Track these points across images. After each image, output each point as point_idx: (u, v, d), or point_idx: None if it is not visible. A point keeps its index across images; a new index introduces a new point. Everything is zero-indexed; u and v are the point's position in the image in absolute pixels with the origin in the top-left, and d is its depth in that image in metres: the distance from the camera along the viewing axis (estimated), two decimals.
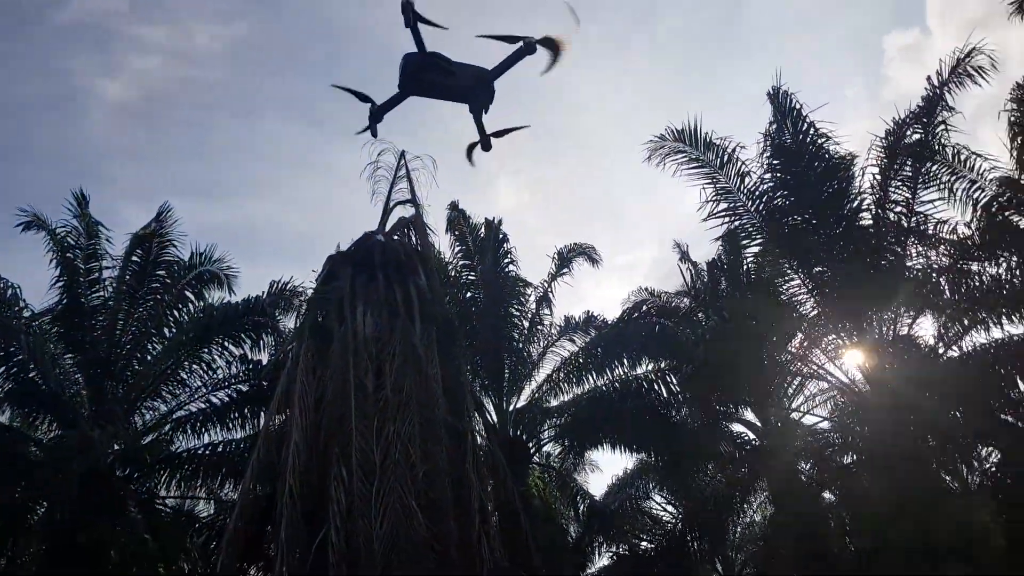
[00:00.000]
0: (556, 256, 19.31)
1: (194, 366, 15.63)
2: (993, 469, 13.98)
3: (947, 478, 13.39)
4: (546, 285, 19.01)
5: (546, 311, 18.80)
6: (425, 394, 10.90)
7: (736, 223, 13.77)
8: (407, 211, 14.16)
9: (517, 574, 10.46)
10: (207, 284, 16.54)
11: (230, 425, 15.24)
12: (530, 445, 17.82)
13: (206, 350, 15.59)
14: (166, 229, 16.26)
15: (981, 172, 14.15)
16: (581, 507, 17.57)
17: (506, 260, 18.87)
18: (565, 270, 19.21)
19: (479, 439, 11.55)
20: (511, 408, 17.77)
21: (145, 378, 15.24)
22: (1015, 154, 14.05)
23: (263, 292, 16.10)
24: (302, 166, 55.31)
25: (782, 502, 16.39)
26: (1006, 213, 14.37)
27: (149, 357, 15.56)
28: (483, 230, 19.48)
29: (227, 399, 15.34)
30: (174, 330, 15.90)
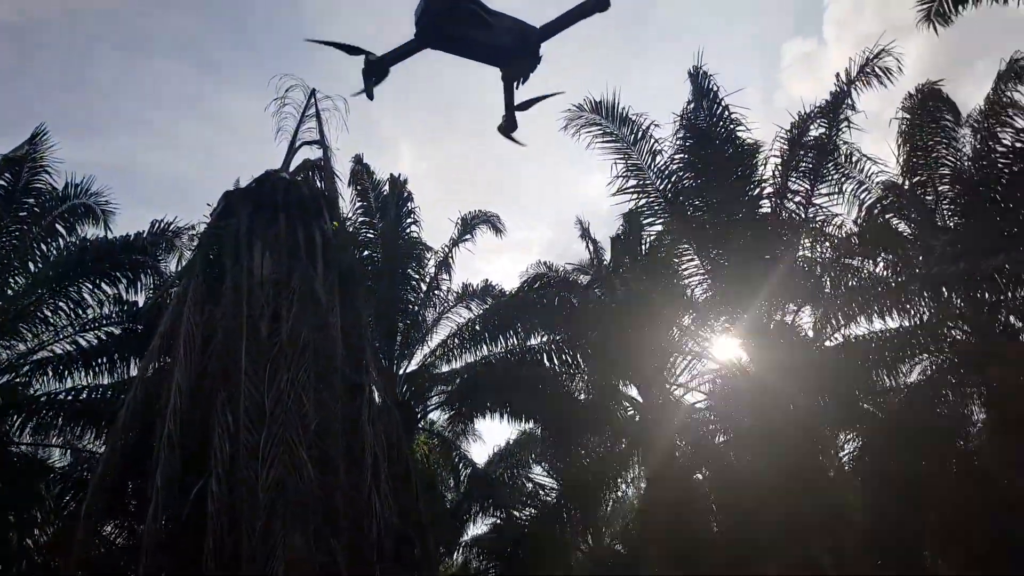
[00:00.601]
0: (459, 222, 19.12)
1: (60, 304, 14.41)
2: (856, 454, 15.02)
3: (816, 460, 14.15)
4: (447, 250, 18.82)
5: (445, 277, 18.65)
6: (324, 343, 10.49)
7: (643, 200, 14.02)
8: (314, 153, 13.61)
9: (407, 532, 10.30)
10: (81, 218, 15.26)
11: (97, 370, 14.18)
12: (417, 410, 17.67)
13: (75, 288, 14.41)
14: (40, 154, 14.87)
15: (869, 175, 15.11)
16: (463, 474, 17.61)
17: (409, 220, 18.51)
18: (468, 236, 19.07)
19: (376, 394, 11.24)
20: (401, 372, 17.55)
21: (4, 314, 13.93)
22: (901, 160, 15.11)
23: (143, 231, 15.09)
24: (190, 110, 52.25)
25: (656, 478, 17.01)
26: (887, 215, 15.44)
27: (10, 292, 14.23)
28: (387, 187, 19.03)
29: (96, 341, 14.25)
30: (40, 264, 14.62)
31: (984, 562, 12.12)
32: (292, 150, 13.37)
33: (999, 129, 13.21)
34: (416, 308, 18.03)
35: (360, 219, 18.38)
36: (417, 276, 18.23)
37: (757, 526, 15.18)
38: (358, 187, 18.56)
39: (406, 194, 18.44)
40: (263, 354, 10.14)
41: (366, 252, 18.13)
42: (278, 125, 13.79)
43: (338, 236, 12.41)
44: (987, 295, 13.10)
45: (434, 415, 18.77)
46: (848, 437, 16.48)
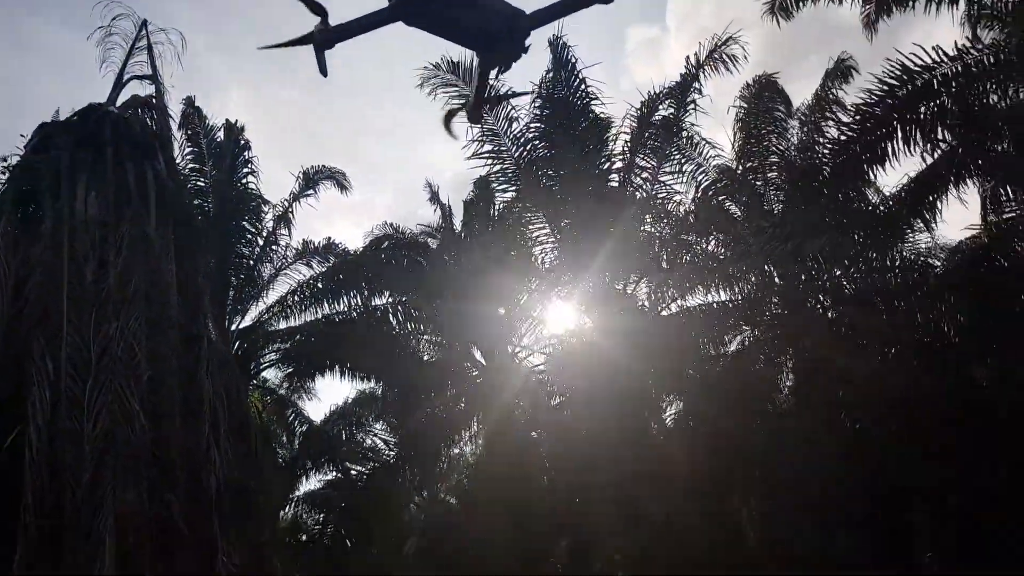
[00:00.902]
0: (301, 176, 18.47)
1: None
2: (680, 414, 16.23)
3: (644, 420, 15.11)
4: (287, 204, 18.13)
5: (284, 232, 17.99)
6: (156, 290, 9.87)
7: (498, 167, 14.23)
8: (144, 89, 12.63)
9: (245, 485, 10.00)
10: None
11: None
12: (251, 367, 17.10)
13: None
14: None
15: (707, 158, 16.14)
16: (298, 432, 17.28)
17: (245, 170, 17.65)
18: (310, 192, 18.48)
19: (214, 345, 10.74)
20: (234, 328, 16.87)
21: None
22: (736, 147, 16.26)
23: None
24: None
25: (494, 434, 17.54)
26: (720, 198, 16.61)
27: None
28: (221, 134, 18.00)
29: None
30: None
31: (785, 504, 13.67)
32: (119, 84, 12.34)
33: (824, 123, 14.51)
34: (252, 263, 17.33)
35: (190, 166, 17.30)
36: (253, 230, 17.49)
37: (589, 478, 16.13)
38: (188, 131, 17.43)
39: (243, 142, 17.58)
40: (88, 300, 9.40)
41: (197, 201, 17.09)
42: (103, 56, 12.68)
43: (173, 178, 11.62)
44: (803, 275, 14.49)
45: (269, 373, 18.25)
46: (673, 399, 17.80)
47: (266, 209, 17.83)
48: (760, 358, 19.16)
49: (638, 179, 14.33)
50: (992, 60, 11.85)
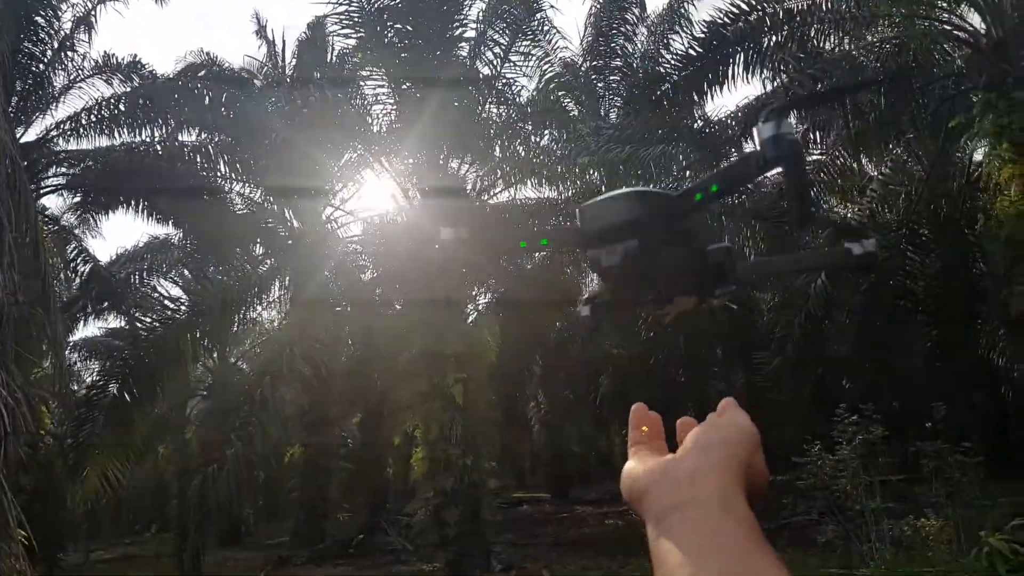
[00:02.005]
0: None
1: None
2: (491, 301, 16.73)
3: (457, 305, 15.36)
4: (90, 5, 15.96)
5: (84, 38, 15.88)
6: None
7: (343, 7, 13.30)
8: None
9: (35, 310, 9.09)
10: None
11: None
12: (31, 188, 15.28)
13: None
14: None
15: (555, 47, 16.12)
16: (82, 270, 15.85)
17: None
18: None
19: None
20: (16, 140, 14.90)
21: None
22: (585, 43, 16.38)
23: None
24: None
25: (300, 302, 17.17)
26: (561, 92, 16.76)
27: None
28: None
29: None
30: None
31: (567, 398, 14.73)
32: None
33: (671, 35, 14.95)
34: (42, 67, 15.23)
35: None
36: (47, 26, 15.28)
37: (395, 356, 16.32)
38: None
39: None
40: None
41: None
42: None
43: None
44: (631, 183, 15.09)
45: (50, 200, 16.45)
46: (486, 288, 18.30)
47: (64, 7, 15.63)
48: (572, 259, 20.15)
49: (488, 53, 14.04)
50: (830, 6, 12.66)
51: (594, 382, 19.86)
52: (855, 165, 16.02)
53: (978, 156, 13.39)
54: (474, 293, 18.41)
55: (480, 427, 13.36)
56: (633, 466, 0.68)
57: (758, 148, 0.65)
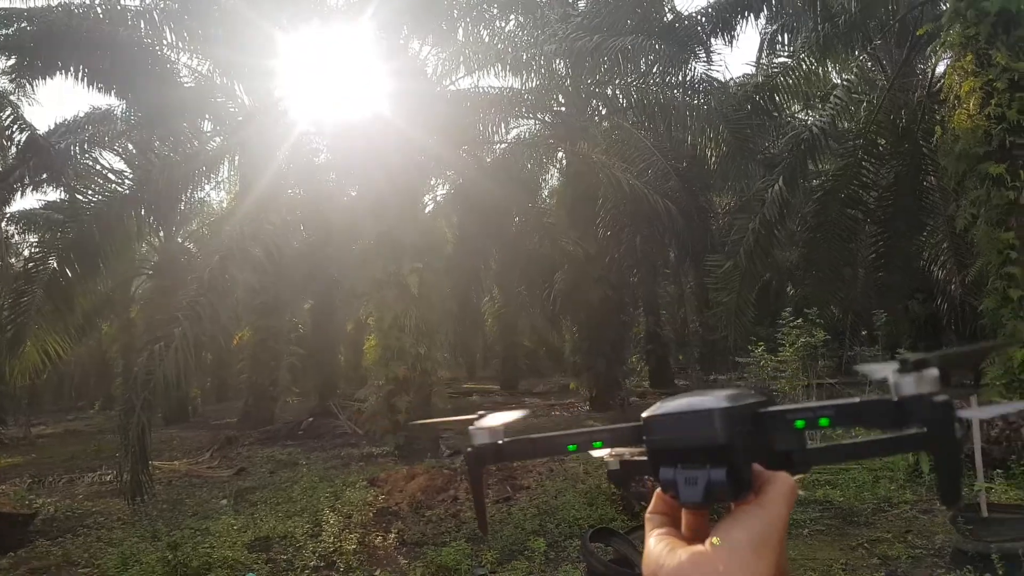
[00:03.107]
0: None
1: None
2: (451, 192, 16.65)
3: (415, 193, 15.24)
4: None
5: None
6: None
7: None
8: None
9: None
10: None
11: None
12: None
13: None
14: None
15: None
16: (18, 139, 15.19)
17: None
18: None
19: None
20: None
21: None
22: None
23: None
24: None
25: (249, 184, 16.84)
26: None
27: None
28: None
29: None
30: None
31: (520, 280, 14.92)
32: None
33: None
34: None
35: None
36: None
37: (349, 243, 16.26)
38: None
39: None
40: None
41: None
42: None
43: None
44: (595, 75, 14.89)
45: None
46: (447, 177, 18.15)
47: None
48: (533, 155, 20.04)
49: None
50: None
51: (549, 279, 20.13)
52: (820, 71, 15.99)
53: (941, 68, 13.46)
54: (432, 183, 18.29)
55: (434, 318, 13.56)
56: (660, 551, 0.61)
57: (894, 397, 0.56)
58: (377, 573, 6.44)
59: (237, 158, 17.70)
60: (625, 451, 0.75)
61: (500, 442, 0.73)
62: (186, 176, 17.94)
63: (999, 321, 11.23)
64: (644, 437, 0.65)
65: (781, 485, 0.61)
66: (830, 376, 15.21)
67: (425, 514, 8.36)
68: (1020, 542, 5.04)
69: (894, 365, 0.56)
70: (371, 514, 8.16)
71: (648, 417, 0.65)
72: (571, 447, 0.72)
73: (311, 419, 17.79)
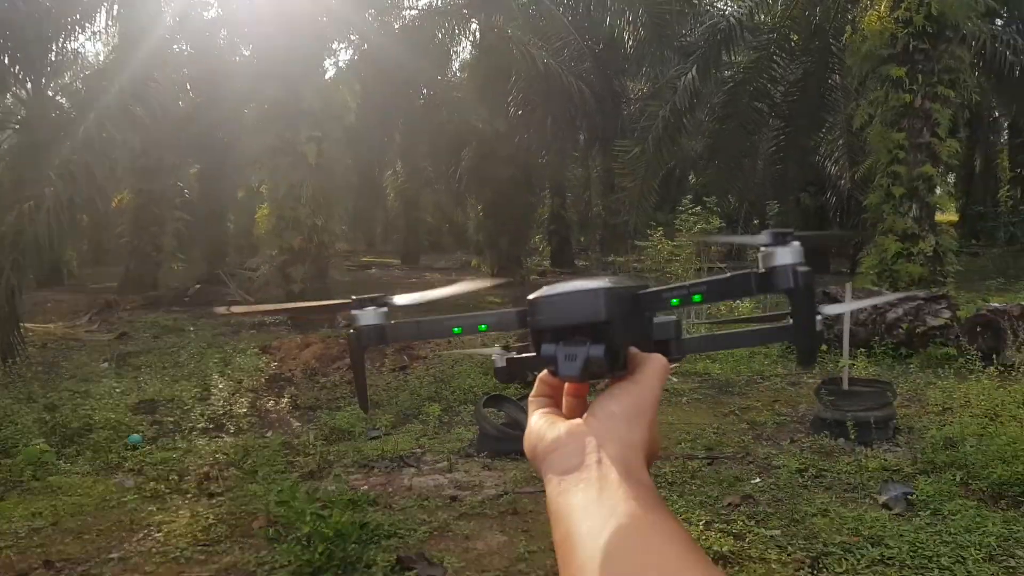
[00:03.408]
0: None
1: None
2: (355, 59, 15.91)
3: (316, 61, 14.47)
4: None
5: None
6: None
7: None
8: None
9: None
10: None
11: None
12: None
13: None
14: None
15: None
16: None
17: None
18: None
19: None
20: None
21: None
22: None
23: None
24: None
25: (130, 38, 15.61)
26: None
27: None
28: None
29: None
30: None
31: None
32: None
33: None
34: None
35: None
36: None
37: (242, 107, 15.45)
38: None
39: None
40: None
41: None
42: None
43: None
44: None
45: None
46: (351, 42, 17.31)
47: None
48: (445, 25, 19.29)
49: None
50: None
51: (455, 155, 19.83)
52: None
53: None
54: (335, 48, 17.38)
55: (333, 189, 13.21)
56: (540, 425, 0.64)
57: (761, 269, 0.58)
58: (269, 435, 6.48)
59: (116, 7, 16.34)
60: (512, 351, 0.77)
61: (384, 324, 0.72)
62: (57, 24, 16.51)
63: (880, 216, 11.90)
64: (529, 319, 0.66)
65: (654, 363, 0.64)
66: (721, 261, 15.87)
67: (319, 381, 8.39)
68: (872, 411, 5.52)
69: (764, 238, 0.59)
70: (263, 380, 8.14)
71: (533, 299, 0.66)
72: (456, 329, 0.73)
73: (198, 286, 17.33)
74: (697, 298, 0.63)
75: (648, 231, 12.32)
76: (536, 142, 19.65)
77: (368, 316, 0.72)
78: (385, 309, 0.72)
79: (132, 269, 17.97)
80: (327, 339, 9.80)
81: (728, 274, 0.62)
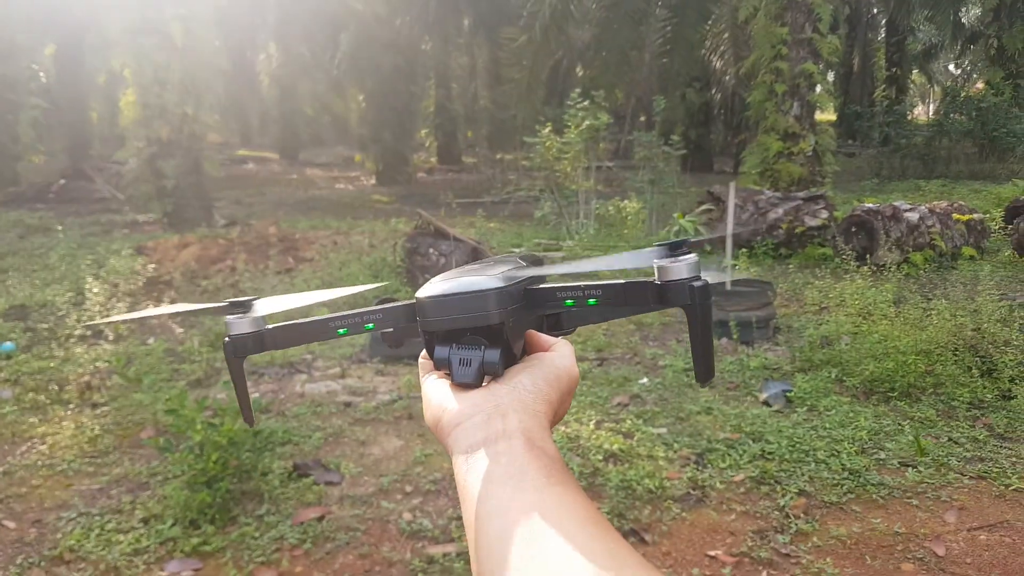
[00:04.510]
0: None
1: None
2: None
3: None
4: None
5: None
6: None
7: None
8: None
9: None
10: None
11: None
12: None
13: None
14: None
15: None
16: None
17: None
18: None
19: None
20: None
21: None
22: None
23: None
24: None
25: None
26: None
27: None
28: None
29: None
30: None
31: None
32: None
33: None
34: None
35: None
36: None
37: None
38: None
39: None
40: None
41: None
42: None
43: None
44: None
45: None
46: None
47: None
48: None
49: None
50: None
51: (334, 40, 18.89)
52: None
53: None
54: None
55: (202, 74, 12.37)
56: (442, 397, 0.62)
57: (657, 281, 0.58)
58: (151, 341, 6.26)
59: None
60: (392, 307, 0.72)
61: (262, 330, 0.67)
62: None
63: (763, 113, 12.28)
64: (419, 318, 0.64)
65: (562, 347, 0.66)
66: (609, 159, 16.10)
67: (201, 284, 8.11)
68: (753, 312, 5.87)
69: (658, 250, 0.58)
70: (140, 283, 7.78)
71: (421, 299, 0.63)
72: (341, 331, 0.69)
73: (63, 181, 16.18)
74: (592, 303, 0.63)
75: (536, 126, 12.29)
76: (418, 26, 18.95)
77: (244, 324, 0.67)
78: (261, 314, 0.68)
79: None
80: (205, 239, 9.42)
81: (623, 280, 0.61)
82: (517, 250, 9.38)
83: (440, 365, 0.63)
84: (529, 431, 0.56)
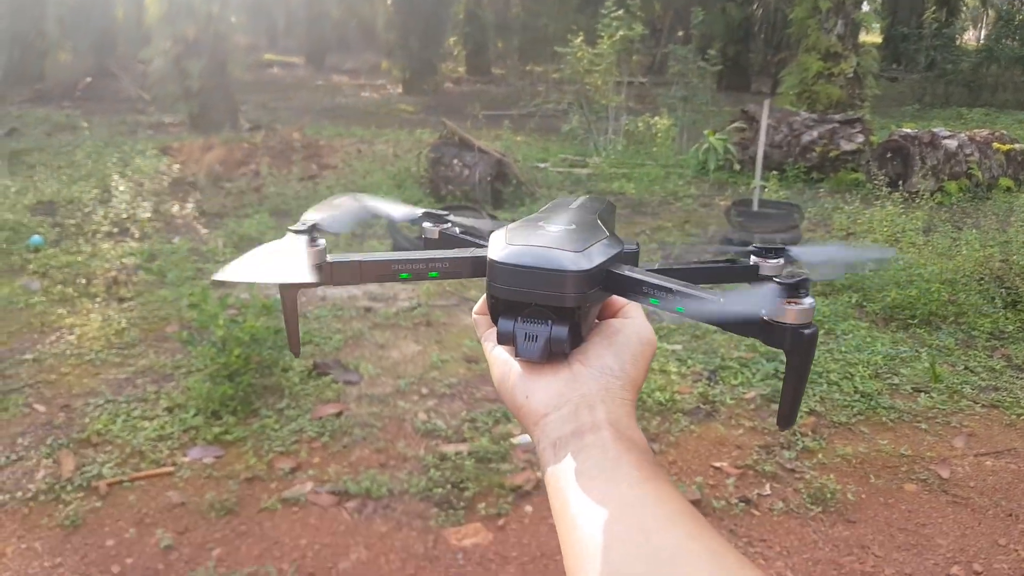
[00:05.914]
0: None
1: None
2: None
3: None
4: None
5: None
6: None
7: None
8: None
9: None
10: None
11: None
12: None
13: None
14: None
15: None
16: None
17: None
18: None
19: None
20: None
21: None
22: None
23: None
24: None
25: None
26: None
27: None
28: None
29: None
30: None
31: None
32: None
33: None
34: None
35: None
36: None
37: None
38: None
39: None
40: None
41: None
42: None
43: None
44: None
45: None
46: None
47: None
48: None
49: None
50: None
51: None
52: None
53: None
54: None
55: None
56: (519, 379, 0.59)
57: (766, 317, 0.51)
58: (176, 240, 6.36)
59: None
60: (448, 224, 0.71)
61: (321, 263, 0.61)
62: None
63: (804, 31, 11.88)
64: (488, 281, 0.60)
65: (635, 311, 0.63)
66: (642, 74, 15.71)
67: (224, 186, 8.17)
68: (779, 233, 5.83)
69: (778, 289, 0.52)
70: (165, 183, 7.87)
71: (495, 263, 0.58)
72: (404, 275, 0.64)
73: (89, 79, 16.15)
74: (679, 309, 0.56)
75: (568, 36, 11.99)
76: None
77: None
78: (322, 244, 0.61)
79: (15, 58, 16.48)
80: (229, 142, 9.44)
81: (735, 313, 0.54)
82: (543, 164, 9.29)
83: (504, 339, 0.60)
84: (617, 422, 0.55)
